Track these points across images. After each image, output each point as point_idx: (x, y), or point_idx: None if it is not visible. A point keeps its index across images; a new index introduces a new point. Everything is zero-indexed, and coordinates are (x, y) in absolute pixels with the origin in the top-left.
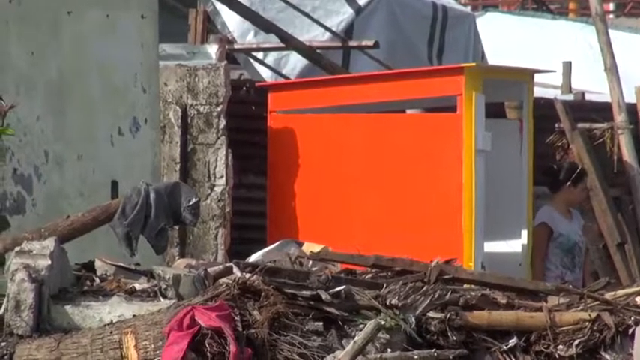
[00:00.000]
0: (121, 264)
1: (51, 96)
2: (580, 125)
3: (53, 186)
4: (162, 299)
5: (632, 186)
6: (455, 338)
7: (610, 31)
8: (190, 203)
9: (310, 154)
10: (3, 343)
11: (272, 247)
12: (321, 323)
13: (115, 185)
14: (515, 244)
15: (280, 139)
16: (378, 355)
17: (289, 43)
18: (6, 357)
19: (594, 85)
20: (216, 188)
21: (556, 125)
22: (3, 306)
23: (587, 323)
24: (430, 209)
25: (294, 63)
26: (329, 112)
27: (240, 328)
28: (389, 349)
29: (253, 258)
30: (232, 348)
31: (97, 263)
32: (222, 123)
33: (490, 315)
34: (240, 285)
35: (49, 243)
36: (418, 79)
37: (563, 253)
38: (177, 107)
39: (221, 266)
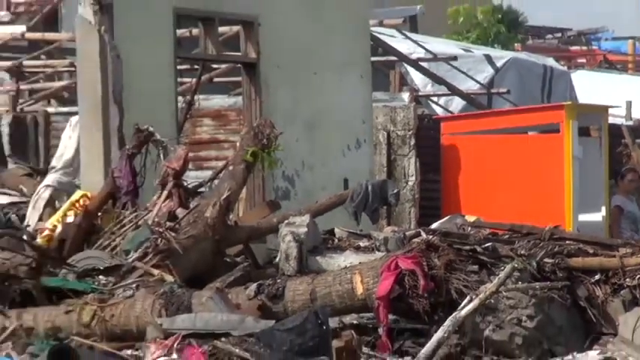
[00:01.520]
0: (351, 230)
1: (304, 126)
2: (638, 140)
3: (307, 182)
4: (377, 252)
5: None
6: (561, 275)
7: None
8: (394, 192)
9: (468, 159)
10: (279, 280)
11: (445, 219)
12: (477, 266)
13: (345, 182)
14: (598, 216)
15: (449, 151)
16: (513, 286)
17: (453, 91)
18: (280, 289)
19: None
20: (409, 183)
21: (622, 141)
22: (278, 258)
23: None
24: (545, 194)
25: (456, 103)
26: (480, 134)
27: (426, 270)
28: (519, 282)
29: (433, 226)
30: (422, 282)
31: (336, 230)
32: (412, 142)
33: (583, 260)
34: (426, 243)
35: (306, 217)
36: (536, 113)
37: (631, 223)
38: (384, 132)
39: (413, 231)
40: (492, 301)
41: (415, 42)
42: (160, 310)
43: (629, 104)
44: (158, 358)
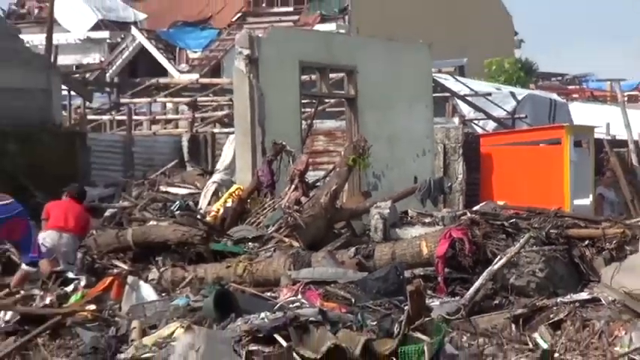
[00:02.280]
0: (419, 211)
1: (387, 141)
2: (615, 149)
3: (389, 179)
4: (437, 226)
5: (636, 174)
6: (562, 241)
7: (628, 109)
8: (448, 185)
9: (499, 163)
10: (370, 245)
11: (482, 204)
12: (504, 235)
13: (415, 178)
14: (587, 201)
15: (486, 158)
16: (529, 249)
17: (489, 116)
18: (371, 251)
19: (622, 133)
20: (458, 179)
21: (603, 150)
22: (369, 230)
23: (619, 233)
24: (550, 185)
25: (491, 125)
26: (507, 146)
27: (470, 238)
28: (534, 246)
29: (475, 208)
30: (467, 246)
31: (409, 211)
32: (460, 151)
33: (577, 231)
34: (470, 219)
35: (388, 202)
36: (545, 131)
37: (609, 206)
38: (441, 144)
39: (461, 212)
40: (515, 259)
41: (463, 83)
42: (290, 266)
43: (608, 125)
44: (288, 297)
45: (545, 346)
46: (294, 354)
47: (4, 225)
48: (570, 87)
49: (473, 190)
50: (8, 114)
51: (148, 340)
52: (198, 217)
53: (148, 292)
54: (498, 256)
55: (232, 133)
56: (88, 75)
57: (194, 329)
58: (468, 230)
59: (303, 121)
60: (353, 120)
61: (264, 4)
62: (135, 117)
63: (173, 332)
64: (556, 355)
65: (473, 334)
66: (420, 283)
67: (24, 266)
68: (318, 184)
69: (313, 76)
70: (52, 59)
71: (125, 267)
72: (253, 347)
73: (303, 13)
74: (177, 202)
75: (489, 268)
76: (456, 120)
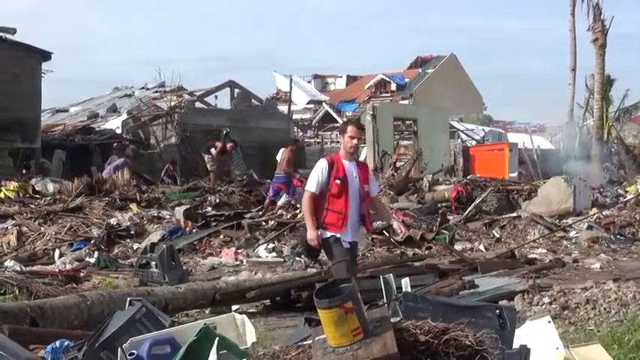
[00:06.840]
0: (445, 178)
1: (429, 149)
2: (527, 152)
3: (431, 165)
4: (451, 185)
5: (535, 162)
6: (504, 191)
7: (533, 135)
8: (457, 168)
9: (477, 158)
10: (423, 193)
11: (470, 176)
12: (480, 189)
13: (442, 165)
14: (515, 174)
15: (472, 156)
16: (491, 194)
17: (473, 138)
18: (424, 195)
19: (529, 145)
20: (460, 165)
21: (520, 153)
22: (424, 186)
23: (528, 187)
24: (500, 168)
25: (474, 142)
26: (481, 151)
27: (466, 189)
28: (492, 193)
29: (467, 177)
30: (465, 193)
31: (439, 179)
32: (461, 153)
33: (512, 186)
34: (465, 182)
35: (430, 174)
36: (496, 145)
37: (524, 177)
38: (452, 150)
39: (462, 179)
40: (484, 199)
41: (462, 124)
42: (389, 202)
43: (523, 143)
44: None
45: (497, 236)
46: (391, 239)
47: (275, 184)
48: (507, 126)
49: (466, 170)
50: (274, 140)
51: None
52: None
53: None
54: (478, 198)
55: (365, 145)
56: (305, 123)
57: None
58: (465, 186)
59: (395, 141)
60: (415, 140)
61: (378, 93)
62: (324, 140)
63: None
64: (502, 239)
65: (466, 231)
66: (444, 209)
67: (283, 202)
68: (401, 166)
69: (399, 122)
70: (290, 116)
71: None
72: (374, 236)
73: (394, 96)
74: None
75: (474, 202)
76: (459, 140)
